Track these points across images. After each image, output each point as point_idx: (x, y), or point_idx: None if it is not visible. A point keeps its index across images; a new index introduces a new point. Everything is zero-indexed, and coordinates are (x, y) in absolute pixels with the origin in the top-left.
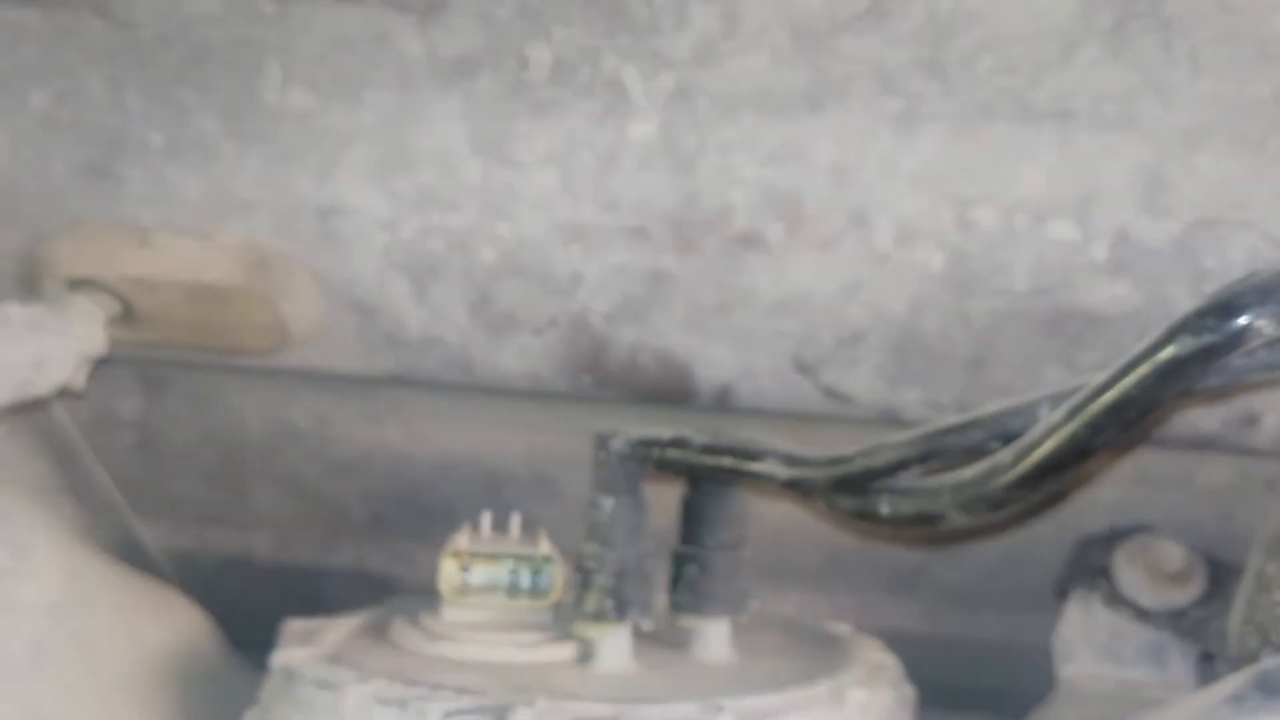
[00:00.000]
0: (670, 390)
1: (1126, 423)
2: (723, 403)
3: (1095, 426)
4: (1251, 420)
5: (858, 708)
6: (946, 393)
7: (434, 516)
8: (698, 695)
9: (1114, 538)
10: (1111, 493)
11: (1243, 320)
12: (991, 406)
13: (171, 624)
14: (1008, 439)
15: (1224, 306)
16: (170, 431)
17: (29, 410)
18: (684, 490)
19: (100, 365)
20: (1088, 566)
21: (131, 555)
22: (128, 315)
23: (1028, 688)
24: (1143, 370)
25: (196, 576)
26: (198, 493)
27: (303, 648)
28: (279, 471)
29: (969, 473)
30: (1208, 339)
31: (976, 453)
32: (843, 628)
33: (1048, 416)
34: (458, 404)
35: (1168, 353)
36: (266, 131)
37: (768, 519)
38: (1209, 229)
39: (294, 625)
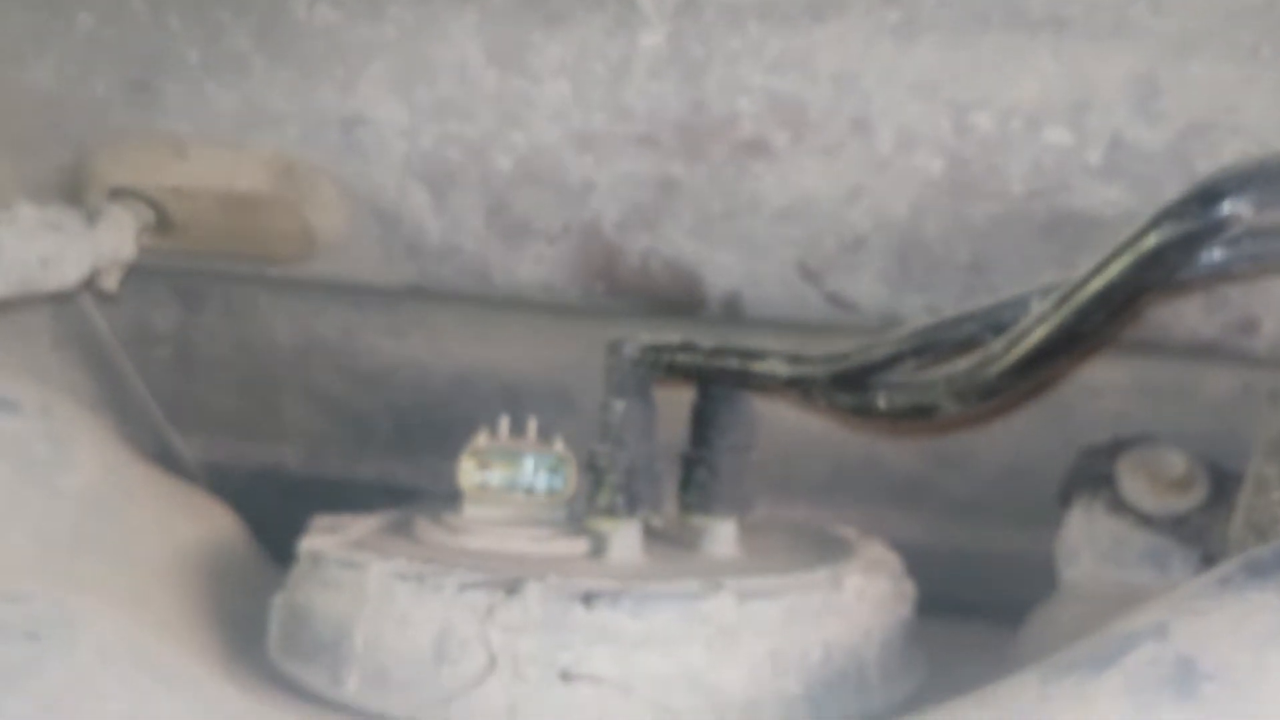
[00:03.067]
0: (680, 298)
1: (1113, 311)
2: (731, 311)
3: (1083, 314)
4: (1250, 326)
5: (854, 593)
6: (947, 298)
7: (455, 430)
8: (701, 577)
9: (1117, 447)
10: (1114, 403)
11: (1223, 207)
12: (984, 302)
13: (204, 523)
14: (999, 331)
15: (1205, 194)
16: (205, 345)
17: (40, 306)
18: (694, 397)
19: (138, 279)
20: (1091, 475)
21: (168, 465)
22: (163, 223)
23: (1030, 599)
24: (1127, 258)
25: (230, 487)
26: (231, 405)
27: (328, 536)
28: (308, 384)
29: (962, 364)
30: (1189, 225)
31: (969, 346)
32: (848, 530)
33: (1037, 307)
34: (477, 317)
35: (1151, 240)
36: (295, 47)
37: (777, 433)
38: (1201, 134)
39: (321, 520)
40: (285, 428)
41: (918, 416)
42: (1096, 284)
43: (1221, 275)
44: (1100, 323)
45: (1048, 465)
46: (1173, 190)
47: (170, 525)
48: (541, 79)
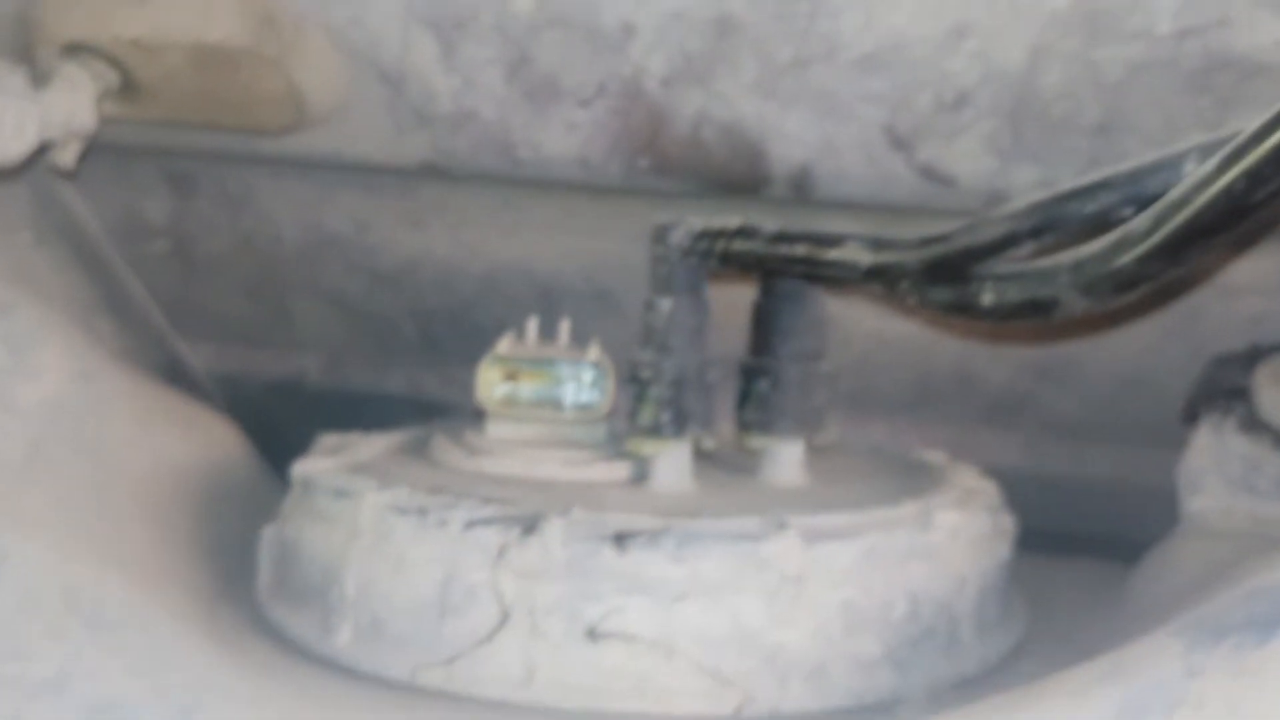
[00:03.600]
0: (739, 174)
1: None
2: (800, 190)
3: (1258, 176)
4: None
5: (947, 531)
6: (1067, 170)
7: (486, 335)
8: (760, 513)
9: (1253, 355)
10: (1253, 305)
11: None
12: (1124, 165)
13: (199, 441)
14: (1144, 204)
15: None
16: (203, 238)
17: (17, 196)
18: (755, 295)
19: (119, 161)
20: (1222, 387)
21: (176, 378)
22: (128, 86)
23: (1147, 533)
24: None
25: (245, 401)
26: (240, 309)
27: (327, 458)
28: (321, 285)
29: (1094, 246)
30: None
31: (1103, 224)
32: (936, 455)
33: (1196, 171)
34: (505, 203)
35: None
36: None
37: (852, 340)
38: None
39: (328, 439)
40: (300, 335)
41: (1032, 314)
42: (1277, 138)
43: None
44: (1276, 189)
45: (1170, 377)
46: None
47: (155, 444)
48: None
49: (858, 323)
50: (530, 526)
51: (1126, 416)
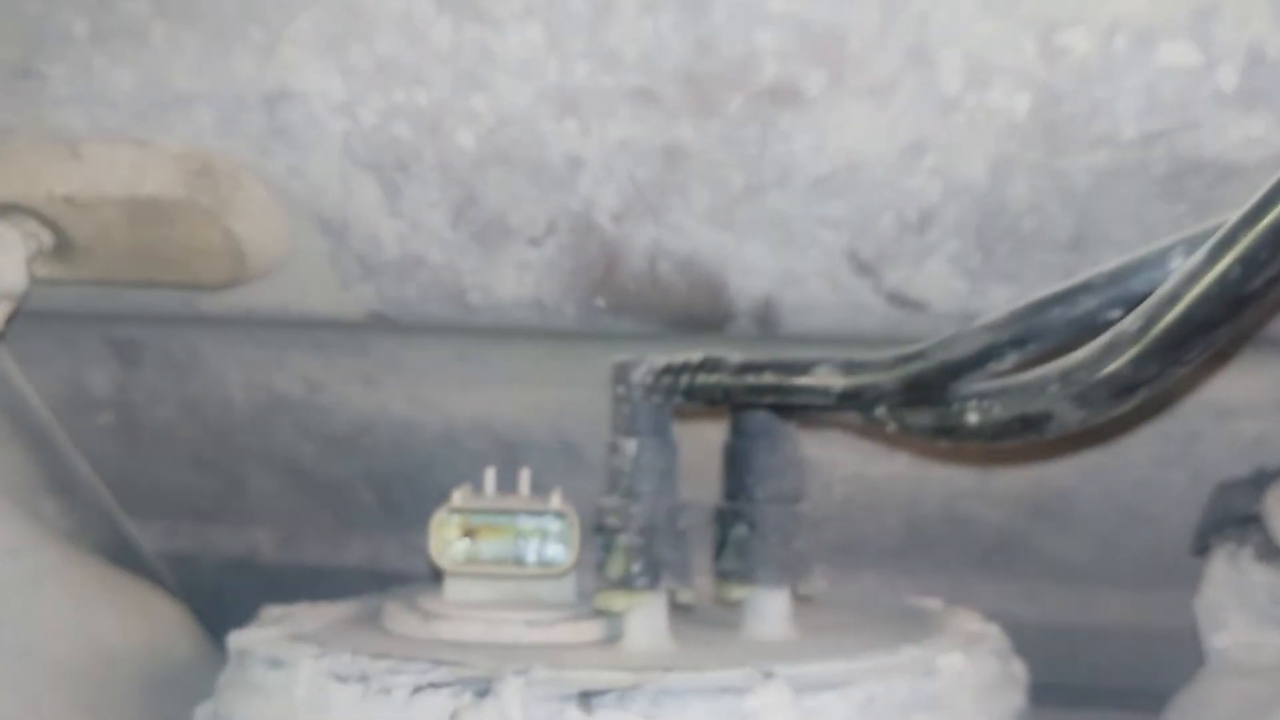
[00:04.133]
0: (701, 310)
1: None
2: (766, 324)
3: (1253, 261)
4: None
5: (953, 677)
6: (1043, 287)
7: (446, 497)
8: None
9: (1260, 480)
10: (1249, 426)
11: None
12: (1106, 265)
13: (140, 620)
14: (1131, 304)
15: None
16: (150, 407)
17: None
18: (726, 434)
19: (61, 328)
20: (1232, 516)
21: (123, 558)
22: (62, 246)
23: (1167, 679)
24: None
25: (198, 580)
26: (189, 482)
27: (267, 629)
28: (273, 451)
29: (1083, 352)
30: None
31: (1088, 328)
32: (933, 602)
33: (1185, 263)
34: (460, 358)
35: None
36: (201, 6)
37: (832, 484)
38: None
39: (272, 611)
40: (253, 507)
41: (1024, 431)
42: (1270, 218)
43: None
44: (1275, 274)
45: (1172, 509)
46: None
47: (90, 626)
48: (505, 25)
49: (837, 466)
50: (484, 690)
51: (1130, 554)
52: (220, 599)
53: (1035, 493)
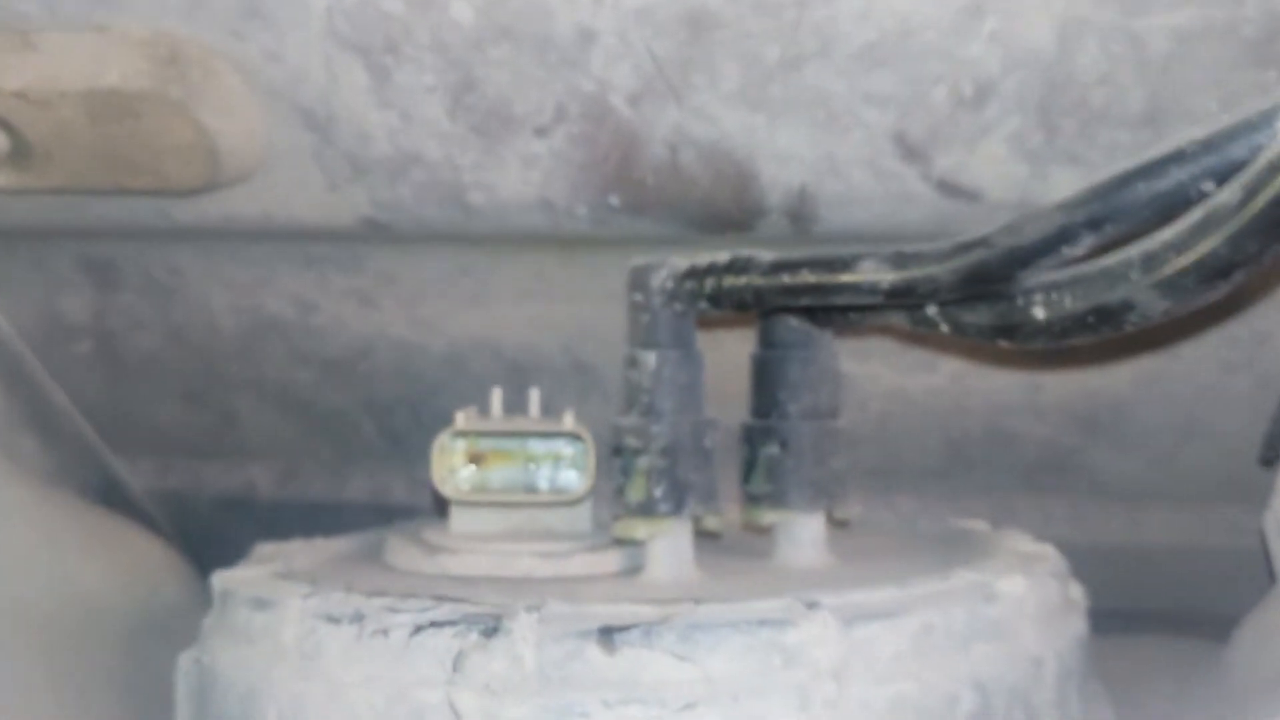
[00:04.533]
0: (727, 205)
1: None
2: (800, 220)
3: None
4: None
5: (1013, 603)
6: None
7: None
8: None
9: None
10: None
11: None
12: (1198, 131)
13: (124, 563)
14: (1226, 175)
15: None
16: (131, 335)
17: None
18: (755, 345)
19: (30, 248)
20: None
21: (111, 498)
22: (20, 150)
23: (1233, 600)
24: None
25: (193, 519)
26: (178, 416)
27: (254, 568)
28: (266, 380)
29: (1169, 232)
30: None
31: (1175, 205)
32: (979, 524)
33: None
34: (463, 272)
35: None
36: None
37: (868, 400)
38: None
39: (264, 548)
40: (248, 441)
41: (1100, 326)
42: None
43: None
44: None
45: (1236, 419)
46: None
47: (66, 570)
48: None
49: (874, 380)
50: (493, 628)
51: (1190, 469)
52: (217, 539)
53: (1087, 404)
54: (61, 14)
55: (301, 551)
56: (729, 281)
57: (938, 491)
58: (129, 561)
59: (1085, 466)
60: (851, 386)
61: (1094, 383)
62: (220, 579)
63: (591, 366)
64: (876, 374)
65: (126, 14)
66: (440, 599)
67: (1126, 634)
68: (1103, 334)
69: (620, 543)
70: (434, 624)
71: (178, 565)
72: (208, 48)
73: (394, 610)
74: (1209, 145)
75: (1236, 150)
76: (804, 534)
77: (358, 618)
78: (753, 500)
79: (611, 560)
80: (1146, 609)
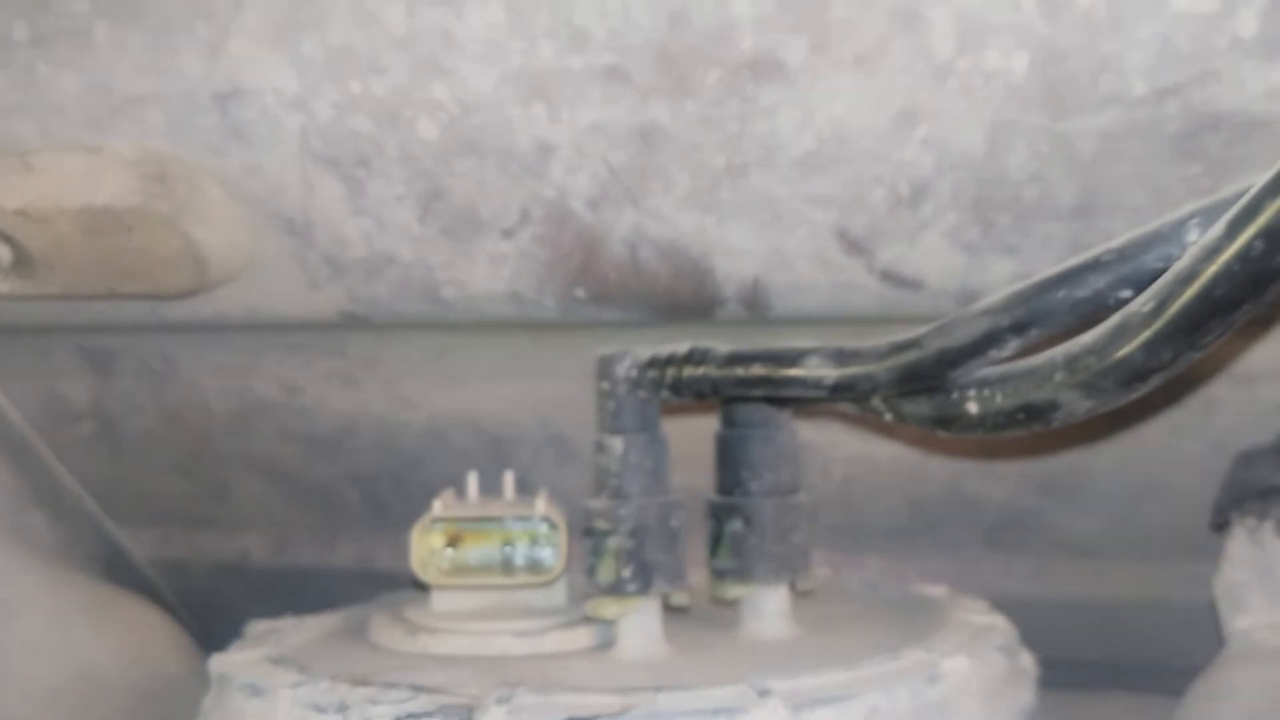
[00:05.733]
0: (687, 296)
1: None
2: (755, 308)
3: (1277, 236)
4: None
5: (957, 682)
6: (1046, 259)
7: (436, 495)
8: (741, 677)
9: None
10: (1271, 391)
11: None
12: (1115, 241)
13: (127, 636)
14: (1142, 284)
15: None
16: (129, 418)
17: None
18: (718, 426)
19: (34, 342)
20: (1254, 488)
21: (115, 568)
22: (22, 261)
23: (1179, 658)
24: None
25: (192, 587)
26: (175, 489)
27: (249, 649)
28: (256, 456)
29: (1090, 336)
30: None
31: (1096, 310)
32: (936, 589)
33: (1202, 239)
34: (441, 353)
35: None
36: (143, 2)
37: (831, 465)
38: None
39: (257, 626)
40: (241, 511)
41: (1029, 422)
42: None
43: None
44: None
45: (1190, 480)
46: None
47: (71, 646)
48: (464, 6)
49: (836, 447)
50: (466, 718)
51: (1146, 528)
52: (214, 603)
53: (1043, 467)
54: (56, 135)
55: (293, 630)
56: (687, 372)
57: (903, 550)
58: (132, 637)
59: (1044, 525)
60: (816, 452)
61: (1048, 446)
62: (217, 662)
63: (567, 439)
64: (839, 440)
65: (116, 135)
66: (418, 690)
67: (1086, 687)
68: (1032, 429)
69: (592, 619)
70: (411, 715)
71: (178, 637)
72: (192, 165)
73: (375, 702)
74: (1124, 255)
75: (1150, 260)
76: (768, 606)
77: (342, 708)
78: (719, 575)
79: (584, 637)
80: (1111, 662)
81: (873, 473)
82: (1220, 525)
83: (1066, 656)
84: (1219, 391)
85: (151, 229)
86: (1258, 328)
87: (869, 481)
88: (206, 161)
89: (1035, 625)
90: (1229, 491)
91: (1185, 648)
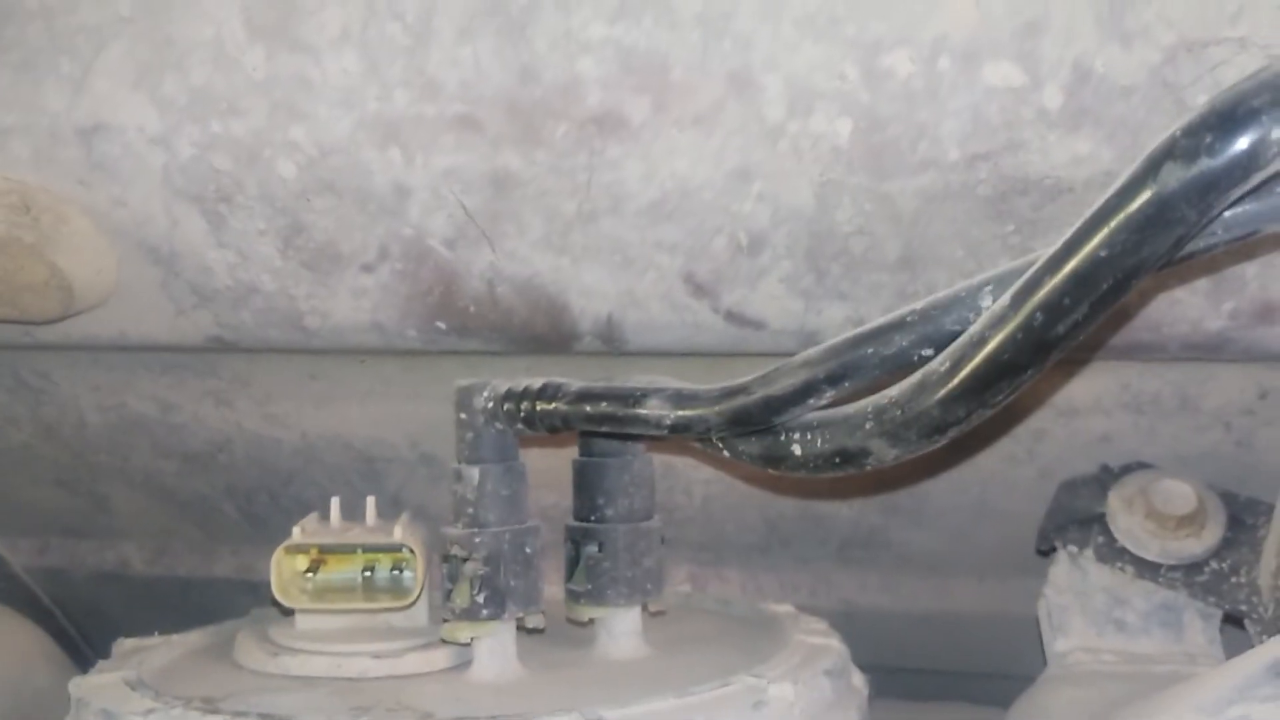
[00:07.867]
0: (544, 330)
1: (1099, 302)
2: (611, 342)
3: (1055, 310)
4: (1269, 313)
5: (781, 709)
6: (876, 305)
7: (311, 509)
8: (581, 703)
9: (1106, 477)
10: (1098, 424)
11: (1251, 135)
12: (918, 303)
13: None
14: (942, 343)
15: (1224, 118)
16: (5, 429)
17: None
18: (577, 453)
19: None
20: (1075, 515)
21: None
22: None
23: (1018, 668)
24: (1116, 223)
25: (72, 596)
26: (54, 500)
27: (107, 672)
28: (132, 470)
29: (894, 391)
30: (1205, 166)
31: (903, 365)
32: (785, 609)
33: (993, 307)
34: (312, 376)
35: (1149, 194)
36: (6, 37)
37: (693, 486)
38: (1195, 54)
39: (125, 644)
40: (120, 522)
41: (845, 465)
42: (1074, 265)
43: (1250, 240)
44: (1079, 321)
45: (1021, 504)
46: (1161, 136)
47: None
48: (321, 53)
49: (697, 468)
50: None
51: (983, 547)
52: (95, 611)
53: (885, 490)
54: None
55: (159, 649)
56: (540, 407)
57: (761, 564)
58: (3, 654)
59: (890, 542)
60: (677, 474)
61: (889, 471)
62: (75, 686)
63: (437, 458)
64: (697, 463)
65: None
66: (266, 717)
67: (930, 694)
68: (848, 472)
69: (448, 641)
70: None
71: (49, 650)
72: (59, 196)
73: None
74: (925, 316)
75: (948, 322)
76: (621, 627)
77: None
78: (574, 597)
79: (442, 658)
80: (955, 671)
81: (731, 492)
82: (1045, 551)
83: (916, 665)
84: (1045, 423)
85: (17, 257)
86: (1077, 365)
87: (727, 500)
88: (72, 193)
89: (886, 636)
90: (1053, 518)
91: (1023, 658)
